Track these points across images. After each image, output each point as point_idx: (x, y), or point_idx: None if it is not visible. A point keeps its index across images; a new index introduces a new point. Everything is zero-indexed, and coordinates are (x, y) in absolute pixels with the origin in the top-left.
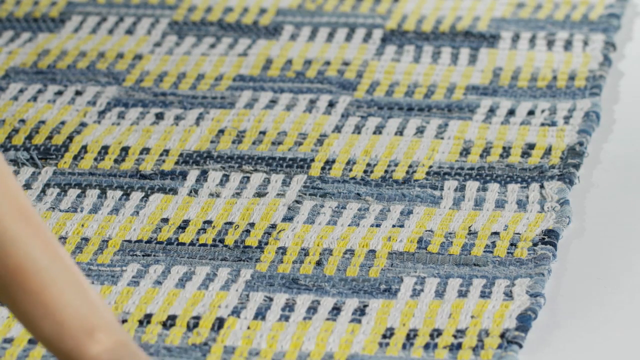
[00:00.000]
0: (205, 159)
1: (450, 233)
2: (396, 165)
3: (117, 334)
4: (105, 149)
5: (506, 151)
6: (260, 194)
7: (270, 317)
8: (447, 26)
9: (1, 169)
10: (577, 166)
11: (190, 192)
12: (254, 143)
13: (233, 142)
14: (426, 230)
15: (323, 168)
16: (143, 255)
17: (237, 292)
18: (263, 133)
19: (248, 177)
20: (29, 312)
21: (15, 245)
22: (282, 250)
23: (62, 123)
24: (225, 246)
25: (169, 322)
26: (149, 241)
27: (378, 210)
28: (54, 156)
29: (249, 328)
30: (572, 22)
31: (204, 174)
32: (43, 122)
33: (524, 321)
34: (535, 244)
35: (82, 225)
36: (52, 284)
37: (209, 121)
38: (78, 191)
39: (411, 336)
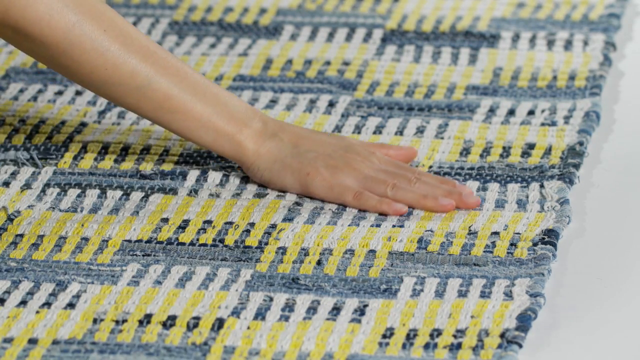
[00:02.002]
0: (206, 158)
1: (450, 233)
2: None
3: (259, 117)
4: (105, 149)
5: (506, 151)
6: (260, 195)
7: (270, 317)
8: (447, 26)
9: (120, 21)
10: (577, 166)
11: (190, 192)
12: None
13: None
14: (426, 230)
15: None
16: (143, 255)
17: (237, 292)
18: None
19: (248, 177)
20: (187, 128)
21: (155, 82)
22: (282, 250)
23: (62, 123)
24: (225, 246)
25: (169, 322)
26: (149, 241)
27: None
28: (54, 156)
29: (249, 328)
30: (572, 22)
31: (204, 174)
32: (43, 121)
33: (524, 321)
34: (535, 244)
35: (82, 225)
36: (195, 100)
37: None
38: (78, 191)
39: (411, 336)
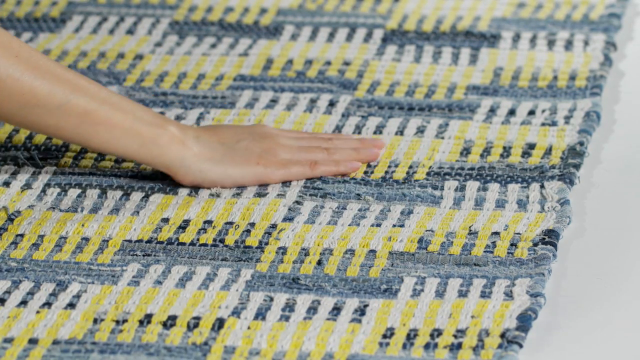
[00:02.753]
0: None
1: (450, 233)
2: (396, 165)
3: (173, 123)
4: None
5: (506, 151)
6: (260, 194)
7: (270, 317)
8: (448, 26)
9: (26, 48)
10: (577, 166)
11: (191, 192)
12: None
13: None
14: (426, 230)
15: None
16: (143, 255)
17: (237, 292)
18: None
19: None
20: (111, 138)
21: (71, 100)
22: (283, 250)
23: None
24: (226, 246)
25: (169, 322)
26: (149, 241)
27: (378, 210)
28: (54, 156)
29: (249, 328)
30: (572, 22)
31: None
32: None
33: (524, 321)
34: (535, 244)
35: (83, 225)
36: (114, 111)
37: (210, 121)
38: (78, 191)
39: (411, 336)
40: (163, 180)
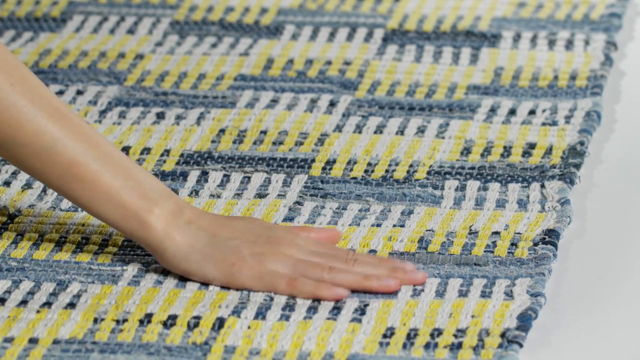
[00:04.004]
0: (206, 159)
1: (450, 233)
2: (397, 164)
3: (174, 201)
4: None
5: (507, 151)
6: (261, 195)
7: (270, 316)
8: (448, 26)
9: (31, 78)
10: (578, 166)
11: (191, 193)
12: (254, 143)
13: (234, 142)
14: (427, 230)
15: (324, 168)
16: (144, 255)
17: (237, 292)
18: (264, 132)
19: (249, 178)
20: (93, 200)
21: (62, 145)
22: None
23: None
24: None
25: (170, 321)
26: None
27: (379, 210)
28: None
29: (249, 327)
30: (573, 21)
31: (204, 174)
32: None
33: (525, 321)
34: (535, 244)
35: (83, 225)
36: (104, 171)
37: (210, 121)
38: None
39: (412, 336)
40: (164, 181)
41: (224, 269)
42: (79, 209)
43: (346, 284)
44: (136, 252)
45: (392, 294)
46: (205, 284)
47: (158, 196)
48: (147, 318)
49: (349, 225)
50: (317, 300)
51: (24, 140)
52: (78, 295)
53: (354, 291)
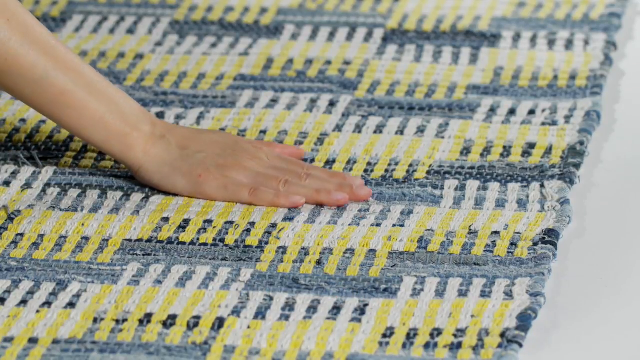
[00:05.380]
0: None
1: (450, 232)
2: (397, 164)
3: (149, 119)
4: None
5: (507, 150)
6: None
7: (270, 316)
8: (448, 25)
9: (23, 12)
10: (577, 166)
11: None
12: None
13: None
14: (426, 230)
15: (323, 168)
16: (143, 255)
17: (237, 292)
18: (264, 132)
19: None
20: (79, 125)
21: (53, 76)
22: (283, 250)
23: None
24: (226, 246)
25: (169, 321)
26: (149, 240)
27: (378, 210)
28: (54, 155)
29: (249, 327)
30: (573, 21)
31: None
32: (44, 121)
33: (524, 320)
34: (535, 244)
35: (83, 225)
36: (90, 99)
37: (210, 120)
38: (78, 191)
39: (411, 335)
40: None
41: (191, 180)
42: (79, 209)
43: (298, 193)
44: (136, 252)
45: (391, 293)
46: (205, 283)
47: (136, 119)
48: (147, 318)
49: (349, 225)
50: (317, 300)
51: (19, 72)
52: (78, 295)
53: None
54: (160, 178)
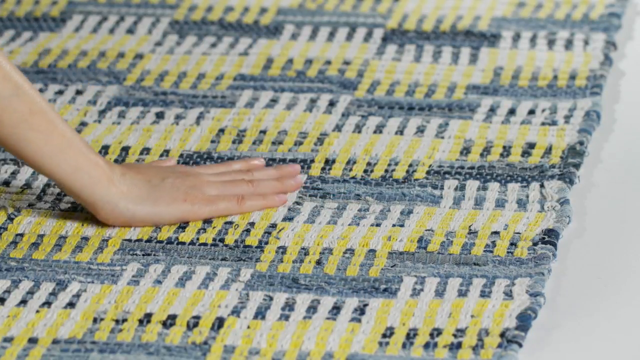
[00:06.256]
0: (206, 159)
1: (450, 232)
2: (396, 164)
3: (101, 157)
4: (105, 149)
5: (506, 150)
6: None
7: (270, 316)
8: (448, 25)
9: None
10: (577, 166)
11: None
12: (254, 143)
13: (233, 142)
14: (426, 230)
15: (323, 168)
16: (143, 255)
17: (237, 292)
18: (263, 132)
19: None
20: (45, 153)
21: (23, 93)
22: (282, 250)
23: None
24: (226, 246)
25: (169, 321)
26: (149, 240)
27: (378, 210)
28: None
29: (249, 327)
30: (572, 21)
31: None
32: None
33: (524, 320)
34: (535, 244)
35: (82, 225)
36: (59, 121)
37: (210, 120)
38: None
39: (411, 335)
40: None
41: (178, 207)
42: (79, 209)
43: (270, 191)
44: (136, 252)
45: (391, 293)
46: (205, 283)
47: (94, 154)
48: (147, 318)
49: (349, 225)
50: (317, 300)
51: None
52: (77, 295)
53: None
54: (145, 213)
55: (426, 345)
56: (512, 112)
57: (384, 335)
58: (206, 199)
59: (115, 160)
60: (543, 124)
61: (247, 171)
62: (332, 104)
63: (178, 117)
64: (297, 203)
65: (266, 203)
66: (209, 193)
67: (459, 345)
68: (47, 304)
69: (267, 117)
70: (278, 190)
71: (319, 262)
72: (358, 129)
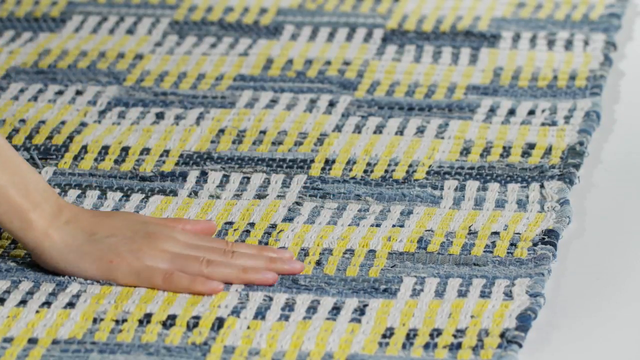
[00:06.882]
0: (205, 160)
1: (450, 233)
2: (396, 164)
3: (55, 200)
4: (105, 149)
5: (506, 151)
6: (260, 196)
7: (270, 316)
8: (448, 26)
9: None
10: (577, 166)
11: (190, 193)
12: (254, 143)
13: (233, 143)
14: (426, 230)
15: (323, 168)
16: None
17: (237, 292)
18: (263, 132)
19: (248, 178)
20: None
21: None
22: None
23: (63, 123)
24: None
25: (169, 321)
26: None
27: (378, 210)
28: (54, 156)
29: (248, 328)
30: (572, 21)
31: (203, 175)
32: (43, 122)
33: (524, 321)
34: (535, 244)
35: None
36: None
37: (210, 121)
38: (78, 192)
39: (411, 336)
40: (163, 182)
41: (101, 266)
42: None
43: (225, 278)
44: None
45: (391, 294)
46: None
47: (40, 197)
48: (147, 318)
49: (349, 225)
50: (317, 300)
51: None
52: (77, 295)
53: (232, 283)
54: (65, 265)
55: (426, 346)
56: (512, 112)
57: (384, 336)
58: (136, 268)
59: (115, 161)
60: (543, 124)
61: (227, 244)
62: (332, 104)
63: (178, 118)
64: (297, 203)
65: (192, 287)
66: (148, 262)
67: (458, 346)
68: (47, 304)
69: (267, 117)
70: (232, 279)
71: (318, 263)
72: (358, 129)
